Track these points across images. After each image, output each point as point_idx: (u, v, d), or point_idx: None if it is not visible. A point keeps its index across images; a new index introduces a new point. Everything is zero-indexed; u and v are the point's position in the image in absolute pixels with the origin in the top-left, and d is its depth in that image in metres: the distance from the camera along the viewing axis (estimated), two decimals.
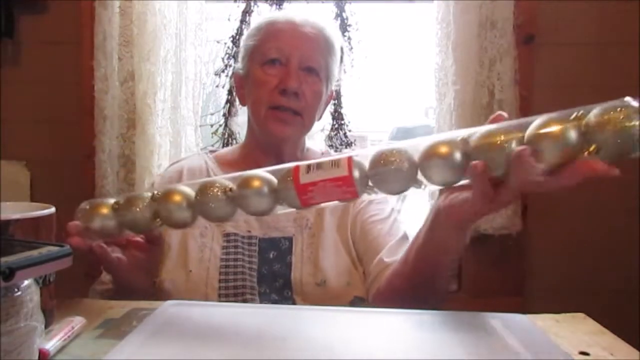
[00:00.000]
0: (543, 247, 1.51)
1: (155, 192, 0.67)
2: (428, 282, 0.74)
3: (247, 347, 0.55)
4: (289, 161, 0.97)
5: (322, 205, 0.63)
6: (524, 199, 1.44)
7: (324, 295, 0.86)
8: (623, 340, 0.61)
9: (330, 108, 1.55)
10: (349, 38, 1.53)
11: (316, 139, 1.49)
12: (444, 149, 0.57)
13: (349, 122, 1.57)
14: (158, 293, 0.83)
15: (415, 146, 0.59)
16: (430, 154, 0.58)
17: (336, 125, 1.56)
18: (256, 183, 0.63)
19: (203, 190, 0.65)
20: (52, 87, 1.53)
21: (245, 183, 0.63)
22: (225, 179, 0.66)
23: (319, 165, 0.61)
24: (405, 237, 0.91)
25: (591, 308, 0.71)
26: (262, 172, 0.65)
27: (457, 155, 0.57)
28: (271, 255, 0.90)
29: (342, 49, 1.04)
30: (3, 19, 1.48)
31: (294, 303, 0.86)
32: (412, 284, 0.75)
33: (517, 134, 0.55)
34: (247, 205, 0.63)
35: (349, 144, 1.56)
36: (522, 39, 1.44)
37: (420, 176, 0.59)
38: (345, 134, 1.56)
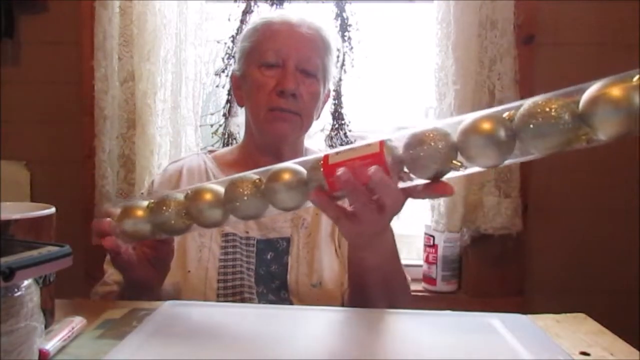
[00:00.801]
0: (543, 247, 1.51)
1: (188, 192, 0.66)
2: (365, 299, 0.74)
3: (246, 347, 0.55)
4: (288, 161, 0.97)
5: None
6: (524, 198, 1.44)
7: (320, 297, 0.86)
8: (623, 340, 0.61)
9: (330, 108, 1.55)
10: (349, 38, 1.53)
11: (316, 139, 1.48)
12: (486, 125, 0.51)
13: (349, 122, 1.56)
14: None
15: (456, 124, 0.54)
16: (471, 131, 0.52)
17: (336, 125, 1.56)
18: (286, 175, 0.60)
19: (233, 186, 0.62)
20: (52, 87, 1.53)
21: (275, 176, 0.61)
22: (253, 174, 0.64)
23: (350, 148, 0.58)
24: None
25: (591, 308, 0.71)
26: (291, 164, 0.62)
27: (501, 132, 0.50)
28: (268, 257, 0.90)
29: (338, 49, 1.04)
30: (3, 19, 1.48)
31: (290, 304, 0.86)
32: (356, 300, 0.77)
33: (569, 100, 0.50)
34: (277, 199, 0.61)
35: (349, 144, 1.56)
36: (522, 39, 1.44)
37: (460, 157, 0.54)
38: (345, 134, 1.56)
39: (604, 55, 1.47)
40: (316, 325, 0.63)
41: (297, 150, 1.00)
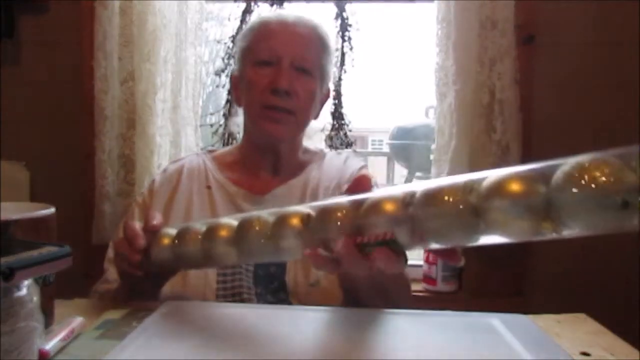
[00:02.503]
0: (543, 247, 1.51)
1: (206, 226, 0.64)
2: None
3: (246, 347, 0.55)
4: (286, 162, 0.97)
5: None
6: None
7: (318, 296, 0.86)
8: (623, 340, 0.61)
9: (330, 108, 1.55)
10: (349, 38, 1.53)
11: (316, 139, 1.49)
12: (516, 186, 0.41)
13: (349, 122, 1.57)
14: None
15: (473, 180, 0.44)
16: (498, 192, 0.42)
17: (336, 125, 1.56)
18: (294, 220, 0.55)
19: (242, 228, 0.60)
20: (52, 87, 1.53)
21: (282, 222, 0.57)
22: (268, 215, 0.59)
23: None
24: None
25: (591, 308, 0.71)
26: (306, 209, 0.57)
27: (538, 195, 0.40)
28: None
29: (337, 48, 1.04)
30: (3, 19, 1.48)
31: (289, 305, 0.86)
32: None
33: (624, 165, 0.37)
34: (283, 248, 0.57)
35: (349, 144, 1.56)
36: (522, 39, 1.44)
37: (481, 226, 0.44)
38: (345, 134, 1.56)
39: (604, 55, 1.47)
40: (315, 326, 0.63)
41: (294, 150, 1.00)
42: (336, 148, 1.55)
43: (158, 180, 0.99)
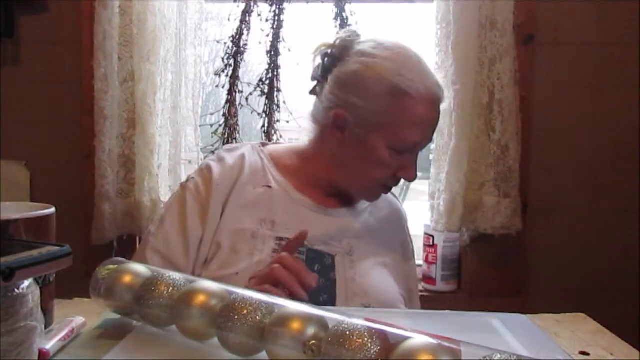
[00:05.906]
0: (543, 247, 1.51)
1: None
2: None
3: None
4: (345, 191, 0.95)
5: None
6: (523, 198, 1.45)
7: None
8: (623, 340, 0.61)
9: None
10: None
11: None
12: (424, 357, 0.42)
13: None
14: None
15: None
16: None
17: None
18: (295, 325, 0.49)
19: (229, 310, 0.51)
20: (52, 87, 1.52)
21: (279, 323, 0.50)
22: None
23: None
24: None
25: (591, 308, 0.71)
26: None
27: None
28: (315, 268, 0.86)
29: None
30: (3, 19, 1.48)
31: None
32: None
33: None
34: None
35: None
36: (522, 39, 1.44)
37: None
38: None
39: (603, 55, 1.48)
40: None
41: None
42: None
43: (217, 170, 0.91)
